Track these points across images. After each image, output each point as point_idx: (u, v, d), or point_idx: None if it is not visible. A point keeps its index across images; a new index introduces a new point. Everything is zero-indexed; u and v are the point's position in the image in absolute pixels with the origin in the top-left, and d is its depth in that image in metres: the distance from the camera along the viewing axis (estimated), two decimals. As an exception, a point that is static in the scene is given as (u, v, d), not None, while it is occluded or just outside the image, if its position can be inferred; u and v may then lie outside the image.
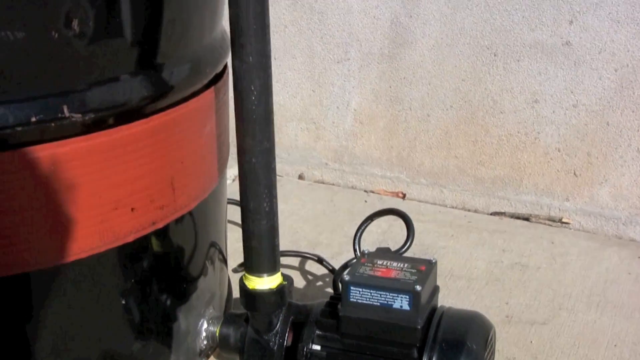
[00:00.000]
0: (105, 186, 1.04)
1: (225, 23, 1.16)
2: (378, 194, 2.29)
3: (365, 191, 2.31)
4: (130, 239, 1.10)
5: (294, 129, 2.38)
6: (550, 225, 2.09)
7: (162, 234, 1.17)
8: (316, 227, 2.07)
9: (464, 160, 2.18)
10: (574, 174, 2.06)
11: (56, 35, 0.94)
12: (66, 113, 0.97)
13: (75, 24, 0.96)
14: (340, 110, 2.29)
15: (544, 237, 2.03)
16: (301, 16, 2.25)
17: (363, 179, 2.32)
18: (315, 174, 2.39)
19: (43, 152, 0.96)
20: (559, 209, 2.10)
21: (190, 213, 1.21)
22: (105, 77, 1.01)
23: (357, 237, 1.40)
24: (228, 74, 1.30)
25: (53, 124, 0.96)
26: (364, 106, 2.26)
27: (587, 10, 1.92)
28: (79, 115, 0.98)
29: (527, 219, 2.13)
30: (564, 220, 2.09)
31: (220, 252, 1.41)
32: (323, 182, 2.38)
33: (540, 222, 2.11)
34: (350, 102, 2.28)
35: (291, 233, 2.02)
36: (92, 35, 0.97)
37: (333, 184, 2.37)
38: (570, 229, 2.08)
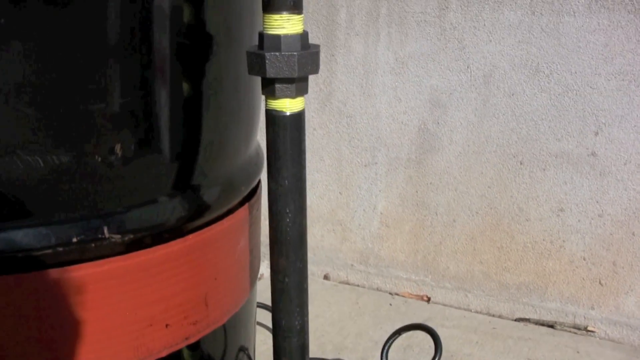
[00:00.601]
0: (142, 303, 1.06)
1: (259, 137, 1.20)
2: (403, 296, 2.30)
3: (390, 293, 2.32)
4: (163, 354, 1.11)
5: (321, 229, 2.40)
6: (576, 334, 2.08)
7: (195, 347, 1.19)
8: (341, 330, 2.07)
9: (489, 265, 2.19)
10: (600, 282, 2.06)
11: (99, 160, 0.98)
12: (106, 234, 1.00)
13: (118, 148, 0.99)
14: (367, 212, 2.32)
15: (569, 345, 2.02)
16: (330, 119, 2.30)
17: (388, 281, 2.33)
18: (341, 274, 2.40)
19: (83, 271, 0.99)
20: (584, 317, 2.10)
21: (222, 326, 1.23)
22: (144, 199, 1.04)
23: (385, 352, 1.41)
24: (261, 188, 1.33)
25: (93, 244, 0.99)
26: (391, 210, 2.28)
27: (613, 122, 1.95)
28: (118, 236, 1.01)
29: (552, 326, 2.12)
30: (589, 328, 2.08)
31: (249, 356, 1.42)
32: (348, 283, 2.39)
33: (566, 330, 2.10)
34: (376, 205, 2.30)
35: (317, 337, 2.02)
36: (133, 159, 1.01)
37: (358, 285, 2.38)
38: (596, 337, 2.07)
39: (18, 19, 0.87)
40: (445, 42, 2.11)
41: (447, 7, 2.08)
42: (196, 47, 1.09)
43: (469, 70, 2.10)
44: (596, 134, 1.98)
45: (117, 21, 0.97)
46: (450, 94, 2.13)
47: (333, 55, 2.24)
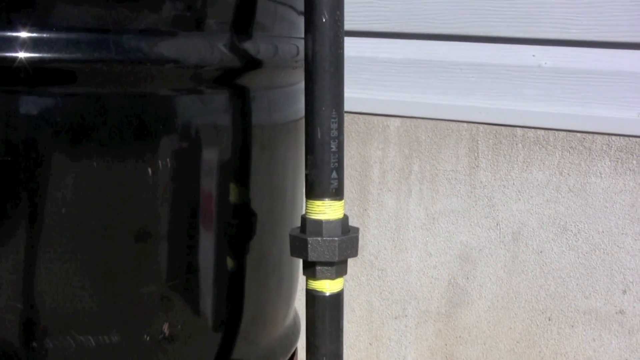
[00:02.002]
0: None
1: (297, 304, 1.24)
2: None
3: None
4: None
5: (350, 379, 2.41)
6: None
7: None
8: None
9: (519, 422, 2.18)
10: None
11: (148, 339, 1.03)
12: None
13: (165, 328, 1.05)
14: (397, 364, 2.33)
15: None
16: (362, 272, 2.35)
17: None
18: None
19: None
20: None
21: None
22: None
23: None
24: (297, 356, 1.37)
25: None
26: (420, 362, 2.30)
27: (640, 283, 1.98)
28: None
29: None
30: None
31: None
32: None
33: None
34: (406, 357, 2.32)
35: None
36: (179, 337, 1.06)
37: None
38: None
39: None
40: (475, 200, 2.17)
41: (477, 166, 2.15)
42: (241, 229, 1.16)
43: (499, 227, 2.15)
44: (624, 292, 2.01)
45: (167, 209, 1.04)
46: (480, 250, 2.18)
47: (366, 210, 2.31)
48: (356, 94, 2.23)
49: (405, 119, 2.22)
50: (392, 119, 2.24)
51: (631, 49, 1.99)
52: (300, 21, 1.15)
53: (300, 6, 1.12)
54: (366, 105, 2.25)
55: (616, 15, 1.98)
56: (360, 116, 2.27)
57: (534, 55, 2.08)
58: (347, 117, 2.23)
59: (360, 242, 2.21)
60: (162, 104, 1.03)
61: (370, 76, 2.24)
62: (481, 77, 2.13)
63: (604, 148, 2.02)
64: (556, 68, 2.06)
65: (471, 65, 2.14)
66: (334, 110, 1.11)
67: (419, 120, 2.20)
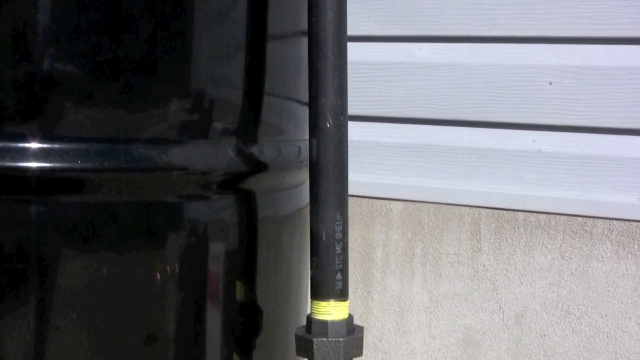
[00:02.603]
0: None
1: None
2: None
3: None
4: None
5: None
6: None
7: None
8: None
9: None
10: None
11: None
12: None
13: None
14: None
15: None
16: (365, 355, 2.33)
17: None
18: None
19: None
20: None
21: None
22: None
23: None
24: None
25: None
26: None
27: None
28: None
29: None
30: None
31: None
32: None
33: None
34: None
35: None
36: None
37: None
38: None
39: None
40: (478, 283, 2.18)
41: (479, 250, 2.17)
42: (248, 328, 1.17)
43: (502, 310, 2.16)
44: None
45: (174, 312, 1.06)
46: (484, 333, 2.18)
47: (369, 293, 2.32)
48: (359, 177, 2.25)
49: (407, 202, 2.25)
50: (395, 202, 2.26)
51: (630, 134, 2.03)
52: (303, 123, 1.18)
53: (303, 111, 1.15)
54: (369, 189, 2.27)
55: (614, 101, 2.02)
56: (363, 199, 2.29)
57: (534, 140, 2.11)
58: (350, 201, 2.25)
59: (364, 325, 2.22)
60: (170, 211, 1.06)
61: (373, 160, 2.27)
62: (482, 162, 2.16)
63: (606, 232, 2.04)
64: (556, 153, 2.09)
65: (472, 150, 2.17)
66: (338, 213, 1.14)
67: (422, 204, 2.23)
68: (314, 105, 1.15)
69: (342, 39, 1.16)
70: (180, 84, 1.07)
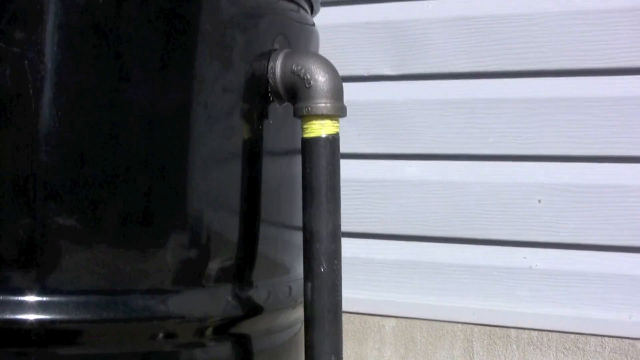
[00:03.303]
0: None
1: None
2: None
3: None
4: None
5: None
6: None
7: None
8: None
9: None
10: None
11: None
12: None
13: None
14: None
15: None
16: None
17: None
18: None
19: None
20: None
21: None
22: None
23: None
24: None
25: None
26: None
27: None
28: None
29: None
30: None
31: None
32: None
33: None
34: None
35: None
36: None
37: None
38: None
39: None
40: (472, 400, 2.17)
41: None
42: None
43: None
44: None
45: None
46: None
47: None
48: (352, 294, 2.26)
49: (400, 319, 2.25)
50: (388, 319, 2.27)
51: (619, 251, 2.05)
52: (297, 249, 1.20)
53: (298, 236, 1.17)
54: (361, 306, 2.28)
55: (603, 219, 2.05)
56: (356, 316, 2.30)
57: (525, 257, 2.13)
58: (343, 317, 2.25)
59: None
60: (167, 360, 1.07)
61: (365, 276, 2.28)
62: (474, 279, 2.17)
63: (598, 349, 2.05)
64: (547, 270, 2.11)
65: (464, 267, 2.18)
66: (333, 356, 1.15)
67: (414, 320, 2.23)
68: (308, 249, 1.17)
69: (335, 185, 1.19)
70: (176, 235, 1.09)
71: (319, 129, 1.18)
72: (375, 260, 2.28)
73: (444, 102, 2.18)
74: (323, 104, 1.17)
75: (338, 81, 1.21)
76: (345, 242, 2.17)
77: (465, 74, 2.16)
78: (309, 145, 1.18)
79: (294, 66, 1.19)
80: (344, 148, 2.21)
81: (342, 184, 2.10)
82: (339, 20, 2.26)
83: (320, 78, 1.18)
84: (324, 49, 2.21)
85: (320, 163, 1.17)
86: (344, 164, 2.20)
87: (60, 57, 1.02)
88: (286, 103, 1.24)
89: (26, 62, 1.00)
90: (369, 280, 2.28)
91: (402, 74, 2.22)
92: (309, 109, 1.17)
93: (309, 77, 1.18)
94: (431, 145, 2.19)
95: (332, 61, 2.14)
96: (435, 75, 2.19)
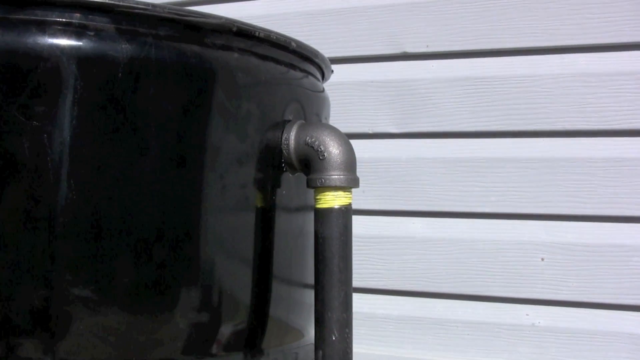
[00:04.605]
0: None
1: None
2: None
3: None
4: None
5: None
6: None
7: None
8: None
9: None
10: None
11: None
12: None
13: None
14: None
15: None
16: None
17: None
18: None
19: None
20: None
21: None
22: None
23: None
24: None
25: None
26: None
27: None
28: None
29: None
30: None
31: None
32: None
33: None
34: None
35: None
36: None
37: None
38: None
39: None
40: None
41: None
42: None
43: None
44: None
45: None
46: None
47: None
48: (355, 348, 2.26)
49: (403, 374, 2.25)
50: (390, 374, 2.27)
51: (621, 310, 2.06)
52: (309, 326, 1.22)
53: (309, 294, 1.19)
54: (364, 360, 2.28)
55: (605, 277, 2.06)
56: (358, 371, 2.30)
57: (527, 315, 2.14)
58: (345, 372, 2.26)
59: None
60: None
61: (368, 331, 2.29)
62: (477, 335, 2.18)
63: (601, 408, 2.05)
64: (550, 327, 2.12)
65: (467, 323, 2.19)
66: None
67: (417, 376, 2.24)
68: (320, 318, 1.18)
69: (348, 255, 1.21)
70: (190, 304, 1.10)
71: (332, 200, 1.20)
72: (378, 315, 2.29)
73: (447, 160, 2.20)
74: (336, 176, 1.19)
75: (351, 153, 1.23)
76: (349, 297, 2.18)
77: (469, 133, 2.19)
78: (322, 216, 1.20)
79: (307, 138, 1.22)
80: (348, 204, 2.25)
81: (345, 239, 2.12)
82: (344, 78, 2.29)
83: (334, 150, 1.20)
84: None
85: (332, 234, 1.19)
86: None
87: (79, 130, 1.04)
88: (299, 172, 1.26)
89: (45, 135, 1.02)
90: (372, 334, 2.29)
91: (407, 132, 2.24)
92: (323, 180, 1.19)
93: (322, 149, 1.20)
94: (435, 202, 2.21)
95: (337, 118, 2.18)
96: (439, 133, 2.22)
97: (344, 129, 2.25)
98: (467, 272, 2.18)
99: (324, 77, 1.48)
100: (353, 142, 2.27)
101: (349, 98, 2.30)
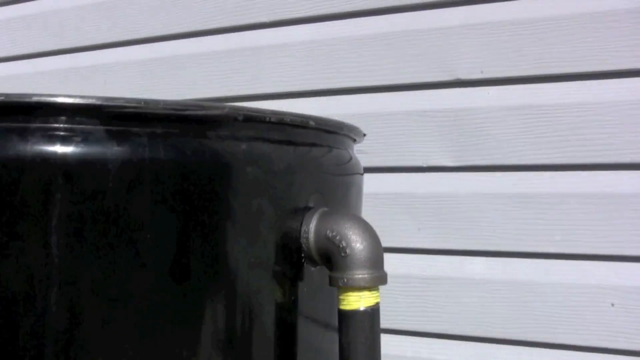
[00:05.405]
0: None
1: None
2: None
3: None
4: None
5: None
6: None
7: None
8: None
9: None
10: None
11: None
12: None
13: None
14: None
15: None
16: None
17: None
18: None
19: None
20: None
21: None
22: None
23: None
24: None
25: None
26: None
27: None
28: None
29: None
30: None
31: None
32: None
33: None
34: None
35: None
36: None
37: None
38: None
39: None
40: None
41: None
42: None
43: None
44: None
45: None
46: None
47: None
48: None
49: None
50: None
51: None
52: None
53: None
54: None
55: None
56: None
57: (597, 362, 1.99)
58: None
59: None
60: None
61: (427, 377, 2.17)
62: (542, 383, 2.04)
63: None
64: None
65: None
66: None
67: None
68: None
69: (375, 358, 1.08)
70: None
71: (356, 301, 1.07)
72: (436, 361, 2.16)
73: (508, 195, 2.05)
74: (360, 276, 1.07)
75: (378, 247, 1.10)
76: (406, 341, 2.07)
77: (530, 166, 2.03)
78: (346, 318, 1.08)
79: (328, 232, 1.09)
80: (402, 243, 2.12)
81: (402, 280, 2.00)
82: (395, 108, 2.16)
83: (357, 246, 1.08)
84: (379, 139, 2.11)
85: (358, 339, 1.07)
86: (405, 259, 2.11)
87: (68, 248, 0.94)
88: (320, 266, 1.14)
89: (31, 256, 0.93)
90: (430, 382, 2.16)
91: (463, 165, 2.10)
92: (345, 280, 1.07)
93: (344, 245, 1.08)
94: (494, 241, 2.06)
95: (389, 151, 2.04)
96: (498, 167, 2.06)
97: (396, 162, 2.13)
98: (530, 316, 2.03)
99: (355, 141, 1.35)
100: (406, 176, 2.16)
101: (401, 129, 2.16)
